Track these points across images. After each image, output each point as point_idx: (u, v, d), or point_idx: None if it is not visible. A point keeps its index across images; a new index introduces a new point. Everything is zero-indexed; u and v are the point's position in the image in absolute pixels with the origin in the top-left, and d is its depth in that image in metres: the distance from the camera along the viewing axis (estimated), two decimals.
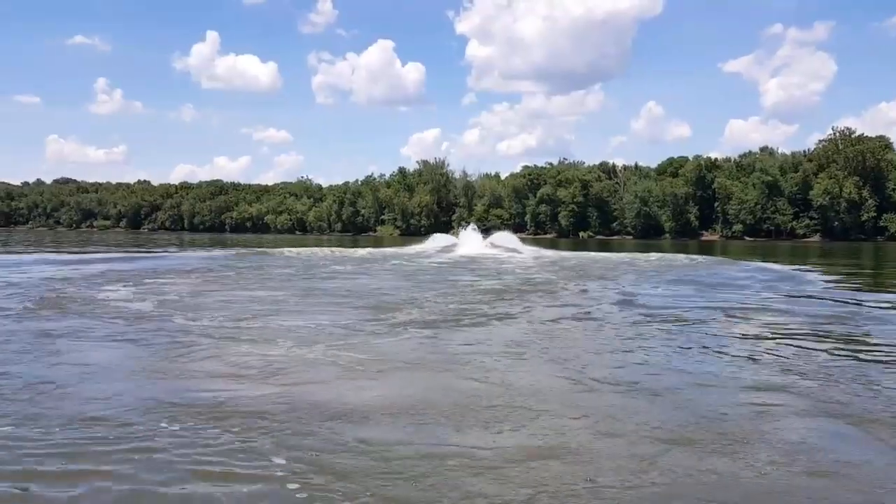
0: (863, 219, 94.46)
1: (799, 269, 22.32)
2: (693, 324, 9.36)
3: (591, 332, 8.66)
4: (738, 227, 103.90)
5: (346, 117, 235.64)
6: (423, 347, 7.37)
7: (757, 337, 8.44)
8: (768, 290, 14.54)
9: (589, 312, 10.46)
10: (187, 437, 4.28)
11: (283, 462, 3.93)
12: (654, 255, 31.05)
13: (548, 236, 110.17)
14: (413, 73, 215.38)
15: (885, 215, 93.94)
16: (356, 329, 8.40)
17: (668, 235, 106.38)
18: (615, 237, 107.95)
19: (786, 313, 10.64)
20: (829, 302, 12.30)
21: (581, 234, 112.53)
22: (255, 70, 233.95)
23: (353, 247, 39.90)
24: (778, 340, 8.10)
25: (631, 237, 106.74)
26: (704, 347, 7.55)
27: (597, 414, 4.90)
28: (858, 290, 15.49)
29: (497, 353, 7.01)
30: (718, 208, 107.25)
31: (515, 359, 6.81)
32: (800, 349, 7.51)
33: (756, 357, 7.09)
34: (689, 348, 7.48)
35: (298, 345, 7.24)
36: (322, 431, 4.44)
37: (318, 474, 3.75)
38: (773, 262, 27.91)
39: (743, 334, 8.62)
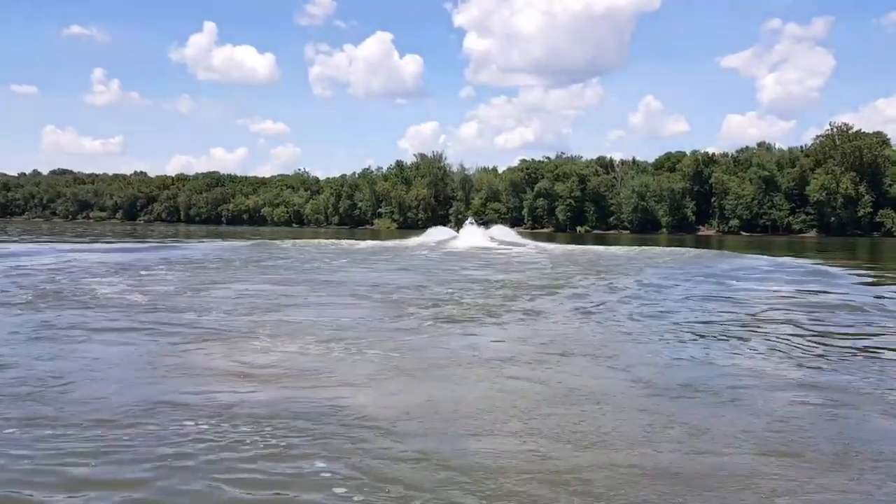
0: (859, 215, 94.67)
1: (820, 264, 22.10)
2: (737, 320, 9.03)
3: (633, 329, 8.21)
4: (734, 222, 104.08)
5: (344, 109, 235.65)
6: (459, 345, 6.98)
7: (806, 333, 8.09)
8: (800, 285, 14.32)
9: (623, 308, 10.03)
10: (220, 440, 3.94)
11: (324, 465, 3.63)
12: (664, 250, 30.84)
13: (545, 230, 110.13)
14: (411, 65, 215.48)
15: (881, 211, 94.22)
16: (380, 326, 8.04)
17: (664, 230, 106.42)
18: (612, 232, 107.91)
19: (830, 308, 10.37)
20: (872, 298, 12.04)
21: (578, 228, 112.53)
22: (253, 61, 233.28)
23: (352, 239, 39.70)
24: (832, 337, 7.83)
25: (628, 232, 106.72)
26: (756, 344, 7.28)
27: (671, 420, 4.52)
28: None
29: (540, 352, 6.64)
30: (715, 203, 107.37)
31: (561, 357, 6.42)
32: (854, 346, 7.28)
33: (818, 353, 6.82)
34: (741, 346, 7.19)
35: (323, 341, 6.88)
36: (367, 435, 4.08)
37: (370, 482, 3.41)
38: (788, 256, 27.71)
39: (780, 329, 8.26)
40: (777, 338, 7.69)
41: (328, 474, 3.52)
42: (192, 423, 4.26)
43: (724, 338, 7.66)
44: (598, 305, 10.32)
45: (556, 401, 4.94)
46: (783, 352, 6.92)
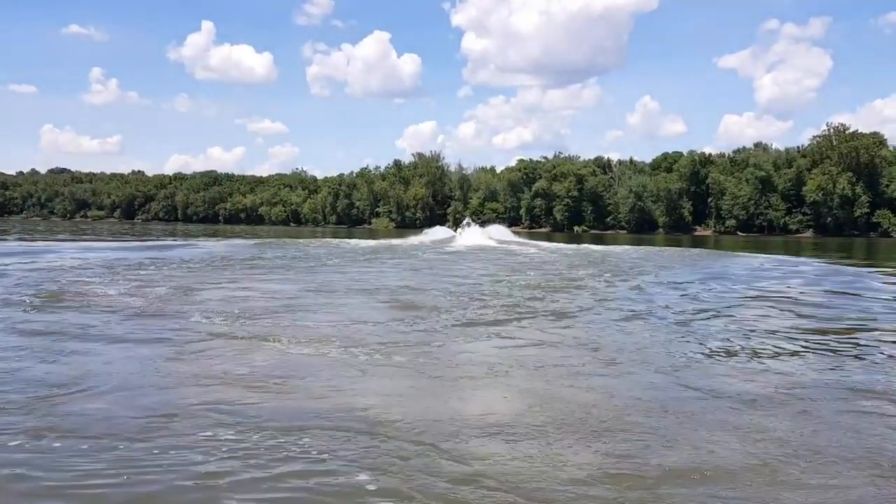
0: (856, 215, 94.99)
1: (837, 264, 22.04)
2: (772, 323, 8.89)
3: (674, 333, 7.92)
4: (731, 222, 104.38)
5: (342, 109, 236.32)
6: (495, 350, 6.67)
7: (864, 336, 7.89)
8: (820, 285, 14.24)
9: (657, 311, 9.73)
10: (253, 453, 3.75)
11: (368, 477, 3.45)
12: (673, 250, 30.74)
13: (543, 230, 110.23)
14: (409, 64, 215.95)
15: (877, 212, 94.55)
16: (403, 329, 7.71)
17: (661, 230, 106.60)
18: (609, 231, 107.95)
19: (867, 312, 10.20)
20: None
21: (576, 228, 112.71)
22: (250, 61, 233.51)
23: (350, 238, 39.65)
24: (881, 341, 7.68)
25: (625, 232, 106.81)
26: (798, 347, 7.14)
27: (738, 432, 4.30)
28: None
29: (583, 357, 6.37)
30: (712, 203, 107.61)
31: (608, 364, 6.14)
32: None
33: (861, 357, 6.68)
34: (785, 350, 7.03)
35: (346, 347, 6.59)
36: (412, 449, 3.85)
37: (422, 500, 3.23)
38: (791, 255, 27.68)
39: (826, 329, 8.11)
40: (826, 339, 7.55)
41: (373, 487, 3.36)
42: (218, 433, 4.03)
43: (771, 341, 7.49)
44: (629, 308, 10.05)
45: (617, 412, 4.65)
46: (836, 355, 6.80)
